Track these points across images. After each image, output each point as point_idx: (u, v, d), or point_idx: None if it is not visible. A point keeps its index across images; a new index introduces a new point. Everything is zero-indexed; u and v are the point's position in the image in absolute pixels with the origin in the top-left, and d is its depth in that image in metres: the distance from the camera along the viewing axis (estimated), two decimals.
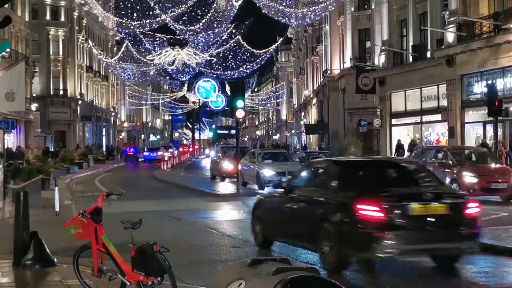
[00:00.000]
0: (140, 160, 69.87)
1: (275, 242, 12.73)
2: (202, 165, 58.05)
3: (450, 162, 22.70)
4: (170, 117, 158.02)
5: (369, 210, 9.72)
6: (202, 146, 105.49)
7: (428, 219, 9.92)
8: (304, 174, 12.66)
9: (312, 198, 11.28)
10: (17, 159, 34.72)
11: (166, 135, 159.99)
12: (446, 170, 21.93)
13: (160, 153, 66.70)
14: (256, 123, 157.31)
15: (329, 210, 10.51)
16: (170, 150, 70.25)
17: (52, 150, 56.23)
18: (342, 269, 10.26)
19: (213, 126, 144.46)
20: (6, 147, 46.52)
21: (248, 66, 68.75)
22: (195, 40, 60.68)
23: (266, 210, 12.85)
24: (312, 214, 10.90)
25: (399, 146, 37.97)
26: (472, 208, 10.26)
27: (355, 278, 10.16)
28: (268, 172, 27.61)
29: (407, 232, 9.76)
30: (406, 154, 34.72)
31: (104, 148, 78.33)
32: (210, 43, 63.93)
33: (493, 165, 23.03)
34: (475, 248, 10.35)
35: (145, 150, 79.60)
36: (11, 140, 51.87)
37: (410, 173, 11.59)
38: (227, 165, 33.49)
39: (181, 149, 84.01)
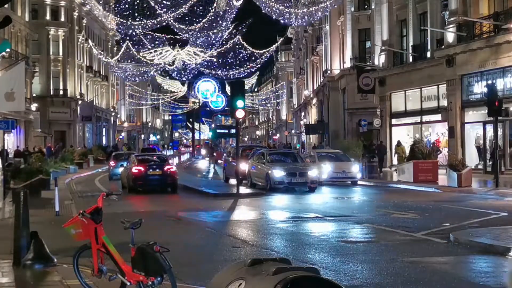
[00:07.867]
0: None
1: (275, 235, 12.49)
2: (201, 166, 57.95)
3: None
4: (170, 117, 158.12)
5: None
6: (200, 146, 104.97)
7: None
8: None
9: None
10: (29, 156, 34.63)
11: (166, 135, 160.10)
12: None
13: (183, 149, 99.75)
14: (256, 123, 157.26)
15: None
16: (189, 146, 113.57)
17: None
18: None
19: (212, 126, 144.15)
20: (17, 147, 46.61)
21: (248, 66, 68.71)
22: (195, 40, 60.64)
23: None
24: None
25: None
26: None
27: (355, 277, 10.14)
28: (278, 173, 26.96)
29: None
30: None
31: (111, 147, 78.29)
32: (210, 43, 63.88)
33: None
34: None
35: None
36: (11, 140, 51.86)
37: None
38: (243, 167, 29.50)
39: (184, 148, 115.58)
